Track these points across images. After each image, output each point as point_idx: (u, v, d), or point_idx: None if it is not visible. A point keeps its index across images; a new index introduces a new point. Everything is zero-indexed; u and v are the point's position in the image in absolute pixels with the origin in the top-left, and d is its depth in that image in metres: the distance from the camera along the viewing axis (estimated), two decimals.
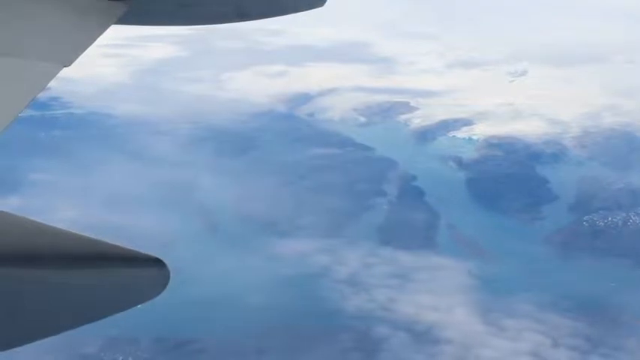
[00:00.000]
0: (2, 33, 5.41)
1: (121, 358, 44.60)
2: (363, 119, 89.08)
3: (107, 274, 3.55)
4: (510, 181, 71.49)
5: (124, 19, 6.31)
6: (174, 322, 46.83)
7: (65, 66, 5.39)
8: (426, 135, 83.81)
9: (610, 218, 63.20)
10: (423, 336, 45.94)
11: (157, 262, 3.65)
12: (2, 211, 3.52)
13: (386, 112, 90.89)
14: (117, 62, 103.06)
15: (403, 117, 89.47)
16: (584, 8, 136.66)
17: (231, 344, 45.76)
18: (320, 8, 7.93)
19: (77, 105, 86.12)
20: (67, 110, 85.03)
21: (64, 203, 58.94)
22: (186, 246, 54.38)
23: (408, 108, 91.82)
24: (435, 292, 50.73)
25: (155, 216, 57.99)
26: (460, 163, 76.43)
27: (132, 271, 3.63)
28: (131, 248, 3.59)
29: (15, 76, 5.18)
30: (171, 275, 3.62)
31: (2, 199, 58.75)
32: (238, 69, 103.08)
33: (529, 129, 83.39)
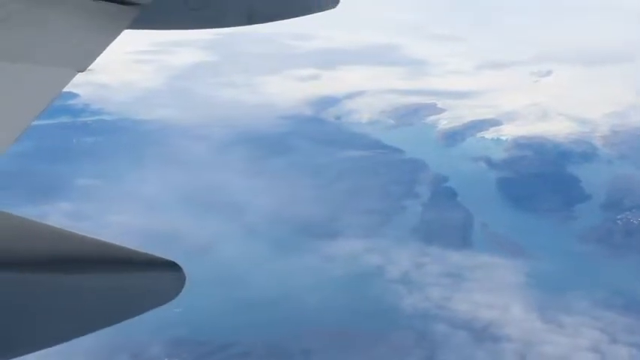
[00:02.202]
0: (15, 39, 5.34)
1: (165, 359, 44.49)
2: (390, 121, 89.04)
3: (122, 278, 3.51)
4: (541, 180, 71.27)
5: (136, 24, 6.23)
6: (219, 324, 46.82)
7: (80, 71, 5.21)
8: (454, 136, 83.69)
9: None
10: (482, 334, 45.79)
11: (173, 266, 3.61)
12: (16, 216, 3.45)
13: (413, 114, 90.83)
14: (147, 68, 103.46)
15: (431, 119, 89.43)
16: (609, 8, 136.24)
17: (279, 347, 45.44)
18: (345, 11, 7.86)
19: (108, 111, 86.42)
20: (98, 117, 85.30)
21: (108, 208, 59.20)
22: (228, 249, 54.50)
23: (435, 110, 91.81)
24: (489, 290, 50.60)
25: (194, 220, 58.12)
26: (490, 163, 76.21)
27: (147, 275, 3.59)
28: (147, 252, 3.55)
29: (30, 82, 5.08)
30: (187, 279, 3.57)
31: (52, 205, 59.19)
32: (269, 73, 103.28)
33: (557, 129, 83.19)
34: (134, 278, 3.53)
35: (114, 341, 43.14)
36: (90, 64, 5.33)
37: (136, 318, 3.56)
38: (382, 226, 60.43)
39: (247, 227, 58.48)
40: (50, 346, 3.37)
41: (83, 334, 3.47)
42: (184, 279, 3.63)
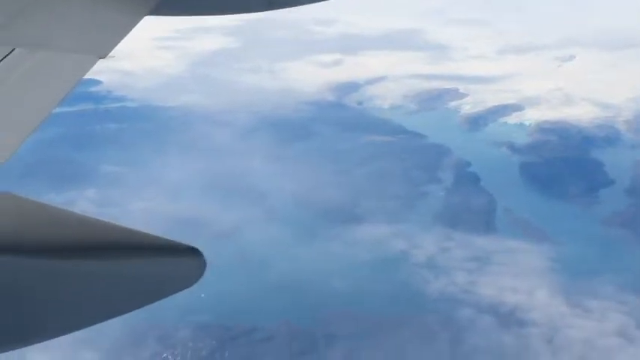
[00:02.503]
0: (38, 26, 5.37)
1: (190, 343, 44.60)
2: (413, 106, 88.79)
3: (143, 264, 3.50)
4: (565, 165, 70.74)
5: (158, 10, 6.25)
6: (243, 309, 46.86)
7: (101, 57, 5.27)
8: (477, 121, 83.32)
9: None
10: (508, 318, 45.50)
11: (194, 252, 3.56)
12: (39, 203, 3.43)
13: (436, 99, 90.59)
14: (170, 55, 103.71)
15: (453, 104, 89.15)
16: None
17: (304, 331, 45.40)
18: None
19: (131, 98, 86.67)
20: (121, 104, 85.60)
21: (133, 195, 59.42)
22: (252, 234, 54.53)
23: (457, 95, 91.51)
24: (514, 275, 50.31)
25: (218, 205, 58.20)
26: (513, 148, 75.75)
27: (168, 261, 3.56)
28: (167, 238, 3.52)
29: (52, 68, 5.11)
30: (207, 265, 3.51)
31: (78, 191, 59.48)
32: (291, 59, 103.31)
33: (580, 113, 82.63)
34: (155, 264, 3.53)
35: (141, 326, 43.37)
36: (111, 51, 5.38)
37: (161, 303, 3.57)
38: (405, 211, 60.21)
39: (271, 212, 58.44)
40: (73, 331, 3.41)
41: (105, 320, 3.50)
42: (205, 264, 3.59)
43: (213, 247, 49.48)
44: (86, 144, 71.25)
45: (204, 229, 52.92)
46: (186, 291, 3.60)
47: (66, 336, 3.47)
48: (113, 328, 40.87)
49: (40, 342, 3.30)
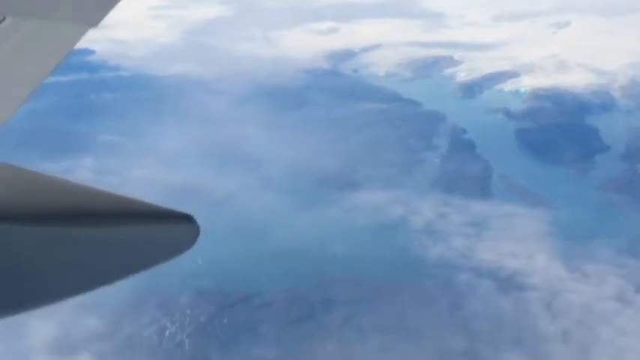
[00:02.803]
0: None
1: (188, 310, 44.39)
2: (408, 74, 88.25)
3: (135, 231, 3.40)
4: (560, 131, 70.52)
5: None
6: (241, 276, 46.63)
7: (92, 27, 5.14)
8: (472, 88, 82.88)
9: None
10: (508, 283, 45.37)
11: (187, 218, 3.47)
12: (34, 171, 3.36)
13: (431, 67, 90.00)
14: (165, 23, 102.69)
15: (448, 71, 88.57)
16: None
17: (302, 297, 45.16)
18: None
19: (126, 67, 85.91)
20: (115, 73, 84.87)
21: (130, 163, 58.99)
22: (249, 201, 54.23)
23: (452, 62, 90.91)
24: (512, 239, 50.15)
25: (215, 173, 57.84)
26: (509, 115, 75.44)
27: (161, 228, 3.47)
28: (161, 205, 3.44)
29: (43, 37, 5.01)
30: (200, 231, 3.40)
31: (75, 160, 59.02)
32: (286, 26, 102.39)
33: (575, 80, 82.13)
34: (148, 231, 3.46)
35: (139, 293, 43.15)
36: (102, 20, 5.27)
37: (159, 270, 3.54)
38: (402, 178, 59.96)
39: (268, 180, 58.11)
40: (68, 298, 3.35)
41: (99, 287, 3.45)
42: (198, 231, 3.50)
43: (210, 214, 49.30)
44: (81, 113, 70.74)
45: (202, 197, 52.65)
46: (184, 258, 3.53)
47: (67, 303, 3.56)
48: (113, 295, 40.71)
49: (36, 308, 3.27)
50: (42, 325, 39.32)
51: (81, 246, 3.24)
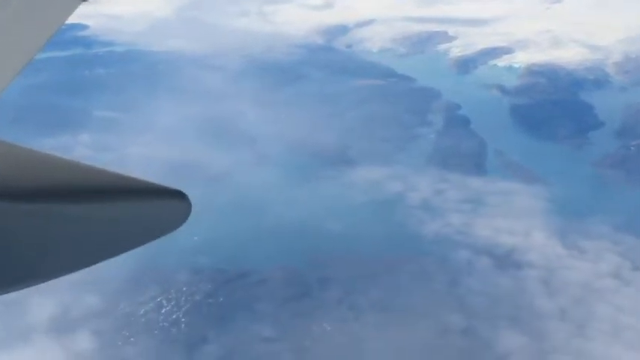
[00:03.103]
0: None
1: (184, 287, 44.00)
2: (402, 50, 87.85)
3: (127, 207, 3.29)
4: (555, 107, 70.26)
5: None
6: (237, 252, 46.24)
7: (84, 0, 5.04)
8: (466, 64, 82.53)
9: None
10: (505, 260, 45.10)
11: (178, 194, 3.40)
12: (25, 147, 3.22)
13: (424, 42, 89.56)
14: None
15: (442, 47, 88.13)
16: None
17: (297, 275, 44.77)
18: None
19: (119, 42, 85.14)
20: (109, 48, 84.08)
21: (126, 139, 58.41)
22: (245, 178, 53.74)
23: (446, 37, 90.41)
24: (508, 216, 49.84)
25: (210, 149, 57.28)
26: (503, 91, 75.13)
27: (152, 204, 3.39)
28: (151, 181, 3.35)
29: (32, 12, 4.89)
30: (192, 207, 3.34)
31: (72, 137, 58.46)
32: (281, 1, 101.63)
33: (569, 56, 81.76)
34: (139, 207, 3.37)
35: (136, 271, 42.67)
36: None
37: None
38: (397, 154, 59.61)
39: (263, 156, 57.64)
40: (59, 276, 3.27)
41: (90, 264, 3.33)
42: (190, 207, 3.44)
43: (206, 191, 48.95)
44: (76, 89, 70.06)
45: (198, 173, 52.21)
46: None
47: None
48: (110, 273, 40.39)
49: (29, 286, 3.18)
50: (42, 303, 39.03)
51: (71, 223, 3.11)
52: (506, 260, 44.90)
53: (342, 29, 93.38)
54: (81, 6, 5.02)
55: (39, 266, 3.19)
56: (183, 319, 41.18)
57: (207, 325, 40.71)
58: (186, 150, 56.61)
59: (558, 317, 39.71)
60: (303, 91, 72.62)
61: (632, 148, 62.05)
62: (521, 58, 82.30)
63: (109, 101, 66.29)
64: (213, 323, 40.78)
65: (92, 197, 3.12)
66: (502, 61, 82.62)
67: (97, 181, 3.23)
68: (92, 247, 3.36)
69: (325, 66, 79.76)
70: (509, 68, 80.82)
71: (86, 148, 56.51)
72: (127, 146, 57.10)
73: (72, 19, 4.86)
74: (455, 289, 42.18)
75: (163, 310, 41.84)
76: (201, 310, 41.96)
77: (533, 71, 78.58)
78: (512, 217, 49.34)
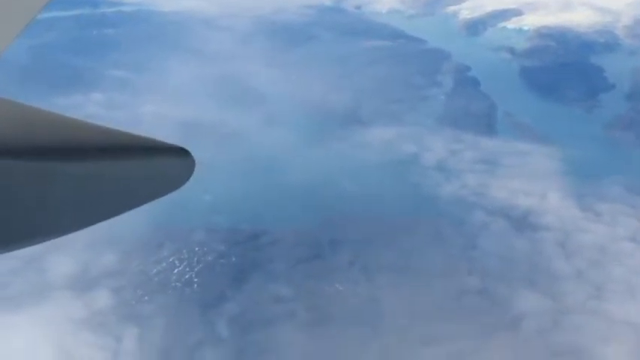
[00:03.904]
0: None
1: (196, 248, 43.32)
2: (411, 11, 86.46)
3: (131, 165, 3.37)
4: (565, 70, 69.35)
5: None
6: (249, 213, 45.48)
7: None
8: (476, 26, 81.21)
9: None
10: (521, 222, 44.42)
11: (181, 152, 3.50)
12: (31, 106, 3.24)
13: (434, 4, 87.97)
14: None
15: (452, 8, 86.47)
16: None
17: (310, 235, 44.02)
18: None
19: (127, 2, 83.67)
20: (116, 8, 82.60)
21: (137, 99, 57.55)
22: (256, 138, 52.88)
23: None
24: (524, 177, 49.11)
25: (221, 110, 56.37)
26: (513, 53, 74.03)
27: (156, 161, 3.46)
28: (154, 138, 3.40)
29: None
30: (196, 165, 3.40)
31: (85, 95, 57.57)
32: None
33: (579, 18, 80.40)
34: (143, 165, 3.43)
35: (148, 231, 42.14)
36: None
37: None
38: (409, 115, 58.74)
39: (275, 117, 56.61)
40: (62, 234, 3.33)
41: (93, 223, 3.39)
42: (193, 164, 3.54)
43: (219, 151, 48.30)
44: (85, 49, 69.06)
45: (209, 132, 51.44)
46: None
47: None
48: (123, 231, 39.92)
49: (33, 244, 3.23)
50: (60, 261, 38.81)
51: (74, 181, 3.16)
52: (522, 222, 44.21)
53: None
54: None
55: (44, 224, 3.19)
56: (196, 279, 40.63)
57: (219, 285, 40.15)
58: (199, 109, 55.76)
59: (575, 279, 39.16)
60: (313, 52, 71.63)
61: None
62: (530, 21, 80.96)
63: (119, 61, 65.23)
64: (226, 283, 40.22)
65: (95, 155, 3.15)
66: (511, 24, 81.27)
67: (100, 138, 3.24)
68: (96, 205, 3.37)
69: (334, 27, 78.62)
70: (519, 31, 79.54)
71: (99, 107, 55.73)
72: (140, 105, 56.35)
73: None
74: (470, 252, 41.55)
75: (176, 270, 41.27)
76: (214, 270, 41.36)
77: (542, 34, 77.38)
78: (528, 179, 48.63)
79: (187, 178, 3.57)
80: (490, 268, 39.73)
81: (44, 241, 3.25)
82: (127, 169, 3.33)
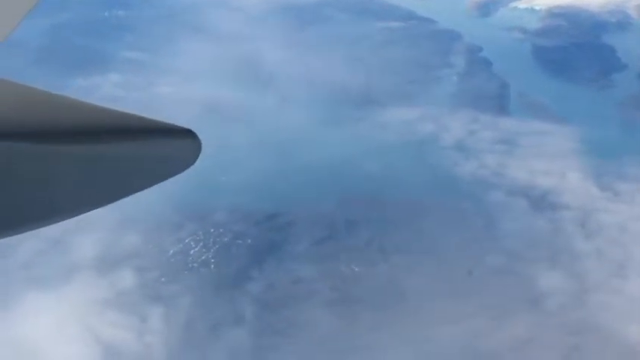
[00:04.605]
0: None
1: (212, 229, 43.05)
2: None
3: (137, 146, 3.29)
4: (577, 50, 68.73)
5: None
6: (265, 194, 45.14)
7: None
8: (487, 6, 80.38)
9: None
10: (541, 202, 44.17)
11: (188, 133, 3.46)
12: (34, 88, 3.18)
13: None
14: None
15: None
16: None
17: (326, 216, 43.66)
18: None
19: None
20: None
21: (153, 80, 57.22)
22: (272, 119, 52.55)
23: None
24: (543, 157, 48.83)
25: (237, 90, 56.11)
26: (525, 33, 73.26)
27: (162, 143, 3.40)
28: (161, 120, 3.33)
29: None
30: (202, 146, 3.33)
31: (103, 76, 57.20)
32: None
33: None
34: (149, 146, 3.37)
35: (162, 212, 41.92)
36: None
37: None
38: (423, 95, 58.34)
39: (290, 97, 56.30)
40: (70, 217, 3.34)
41: (101, 205, 3.37)
42: (200, 146, 3.51)
43: (235, 132, 47.98)
44: (98, 30, 68.53)
45: (226, 114, 51.11)
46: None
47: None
48: (140, 213, 39.80)
49: (38, 227, 3.20)
50: (85, 242, 38.98)
51: (81, 162, 3.12)
52: (542, 202, 43.92)
53: None
54: None
55: (52, 206, 3.16)
56: (212, 260, 40.42)
57: (236, 266, 39.95)
58: (214, 90, 55.45)
59: (595, 258, 38.91)
60: (325, 32, 71.02)
61: None
62: (542, 1, 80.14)
63: (133, 42, 64.86)
64: (243, 265, 40.00)
65: (102, 137, 3.11)
66: (523, 4, 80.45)
67: (106, 121, 3.20)
68: (102, 188, 3.33)
69: (345, 8, 77.86)
70: (531, 10, 78.78)
71: (116, 88, 55.46)
72: (157, 86, 56.15)
73: None
74: (490, 231, 41.25)
75: (192, 252, 41.07)
76: (231, 252, 41.11)
77: (554, 13, 76.69)
78: (547, 158, 48.31)
79: (194, 160, 3.55)
80: (510, 248, 39.52)
81: (54, 222, 3.23)
82: (133, 151, 3.29)
